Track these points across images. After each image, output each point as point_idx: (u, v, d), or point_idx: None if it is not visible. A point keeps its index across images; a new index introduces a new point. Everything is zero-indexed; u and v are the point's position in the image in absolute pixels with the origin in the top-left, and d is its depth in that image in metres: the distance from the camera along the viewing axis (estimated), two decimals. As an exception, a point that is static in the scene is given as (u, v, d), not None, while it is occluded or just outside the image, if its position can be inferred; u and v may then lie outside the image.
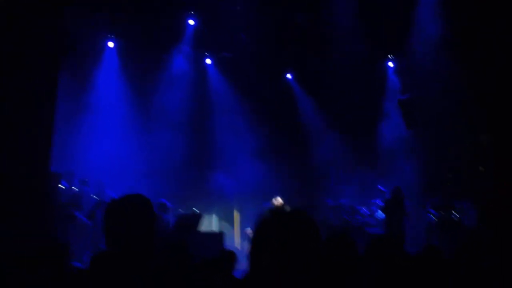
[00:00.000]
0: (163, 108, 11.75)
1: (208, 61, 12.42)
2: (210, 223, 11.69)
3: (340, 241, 2.95)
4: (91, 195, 9.49)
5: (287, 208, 1.72)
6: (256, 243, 1.50)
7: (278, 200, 10.09)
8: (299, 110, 12.99)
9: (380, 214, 10.59)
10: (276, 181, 11.47)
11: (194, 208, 10.57)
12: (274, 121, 12.56)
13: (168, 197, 9.50)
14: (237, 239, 11.81)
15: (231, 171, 11.85)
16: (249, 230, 10.16)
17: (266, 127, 12.30)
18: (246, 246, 10.60)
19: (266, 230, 1.50)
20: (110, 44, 11.38)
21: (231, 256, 5.66)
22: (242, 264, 10.71)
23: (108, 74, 11.72)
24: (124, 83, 11.79)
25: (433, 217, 9.97)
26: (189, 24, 11.41)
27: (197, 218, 8.80)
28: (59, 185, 8.64)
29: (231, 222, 12.11)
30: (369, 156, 12.24)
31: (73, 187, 9.31)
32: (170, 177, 11.28)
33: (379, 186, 10.80)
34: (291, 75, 12.88)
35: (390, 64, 12.36)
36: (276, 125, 12.56)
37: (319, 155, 12.53)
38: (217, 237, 8.68)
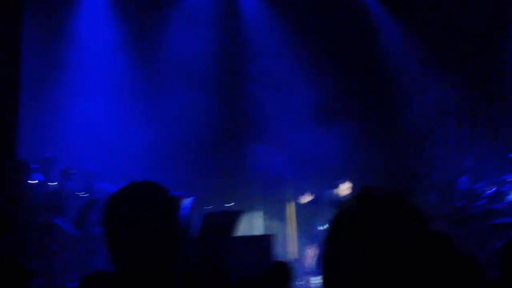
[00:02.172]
0: (175, 60, 12.18)
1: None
2: (253, 224, 12.03)
3: (438, 248, 2.92)
4: (78, 192, 9.79)
5: (377, 193, 1.59)
6: (332, 248, 1.52)
7: (346, 186, 10.42)
8: (381, 46, 13.11)
9: None
10: (350, 156, 11.88)
11: (228, 204, 10.91)
12: (342, 65, 12.79)
13: (189, 188, 9.90)
14: (293, 244, 12.10)
15: (281, 145, 12.15)
16: (310, 250, 10.67)
17: (330, 76, 12.54)
18: (309, 254, 10.79)
19: (346, 228, 1.51)
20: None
21: (284, 270, 5.86)
22: (302, 280, 10.95)
23: (93, 14, 12.18)
24: (118, 26, 12.28)
25: None
26: None
27: (233, 218, 8.97)
28: (30, 180, 9.02)
29: (283, 220, 12.33)
30: (497, 108, 12.61)
31: (50, 183, 9.56)
32: (189, 160, 11.76)
33: (510, 155, 10.99)
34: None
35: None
36: (346, 72, 12.79)
37: (415, 112, 12.76)
38: (264, 244, 8.84)
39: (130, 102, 11.84)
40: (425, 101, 12.82)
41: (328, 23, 12.73)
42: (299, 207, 11.79)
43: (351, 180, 10.61)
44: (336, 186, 10.69)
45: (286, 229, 12.23)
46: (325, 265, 1.50)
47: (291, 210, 12.36)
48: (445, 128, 13.04)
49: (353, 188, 10.54)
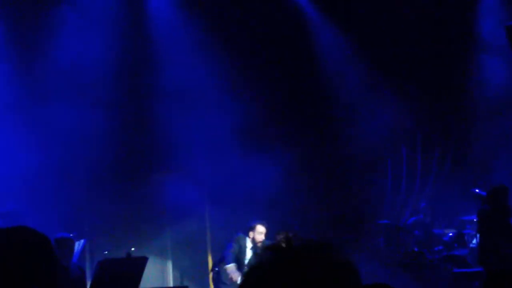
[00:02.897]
0: (66, 68, 12.00)
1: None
2: (165, 274, 11.97)
3: None
4: None
5: (298, 241, 1.61)
6: None
7: (260, 230, 10.38)
8: (320, 58, 13.33)
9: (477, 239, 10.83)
10: (278, 190, 12.05)
11: (132, 249, 10.47)
12: (273, 81, 12.98)
13: (80, 227, 10.21)
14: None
15: (198, 174, 12.28)
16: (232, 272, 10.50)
17: (258, 93, 12.74)
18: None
19: (262, 281, 1.57)
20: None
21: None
22: None
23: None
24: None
25: None
26: None
27: (137, 265, 8.73)
28: None
29: (202, 269, 12.28)
30: (453, 134, 13.03)
31: None
32: (81, 193, 11.73)
33: (476, 191, 10.92)
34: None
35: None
36: (277, 88, 13.02)
37: (360, 137, 12.87)
38: None
39: (7, 120, 11.61)
40: (371, 124, 12.98)
41: (256, 28, 12.95)
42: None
43: (264, 224, 10.47)
44: (252, 229, 10.45)
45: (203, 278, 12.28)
46: None
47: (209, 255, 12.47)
48: (394, 156, 13.38)
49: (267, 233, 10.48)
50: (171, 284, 11.68)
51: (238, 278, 10.03)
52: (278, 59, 13.08)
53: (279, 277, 1.55)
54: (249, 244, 10.29)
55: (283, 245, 1.61)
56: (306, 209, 11.65)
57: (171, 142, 12.35)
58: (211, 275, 11.64)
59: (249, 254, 10.24)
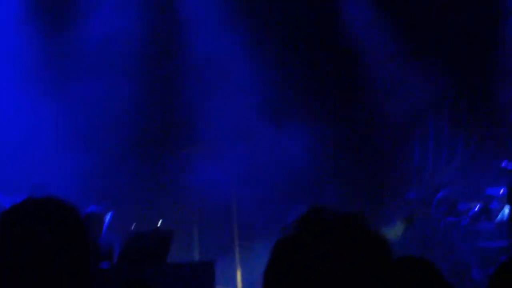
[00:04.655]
0: (95, 42, 12.09)
1: None
2: (190, 248, 12.17)
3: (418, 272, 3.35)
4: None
5: (327, 213, 1.63)
6: (273, 283, 1.60)
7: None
8: (347, 30, 13.12)
9: (505, 213, 10.93)
10: (306, 166, 12.02)
11: (159, 222, 10.51)
12: (301, 52, 12.88)
13: (106, 201, 10.00)
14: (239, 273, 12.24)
15: (225, 155, 12.12)
16: None
17: (287, 66, 12.71)
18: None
19: (289, 258, 1.58)
20: None
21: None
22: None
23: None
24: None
25: None
26: None
27: (164, 240, 8.84)
28: None
29: (228, 245, 12.30)
30: (483, 109, 12.90)
31: None
32: (108, 165, 11.73)
33: (504, 165, 10.87)
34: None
35: None
36: (305, 60, 12.90)
37: (387, 112, 12.81)
38: (203, 273, 8.67)
39: (34, 91, 11.67)
40: (399, 98, 12.88)
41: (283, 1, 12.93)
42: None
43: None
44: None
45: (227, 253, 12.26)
46: None
47: (235, 230, 12.45)
48: (421, 132, 13.30)
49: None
50: (197, 259, 11.82)
51: None
52: (305, 33, 12.92)
53: (309, 250, 1.56)
54: None
55: (314, 216, 1.62)
56: (334, 184, 11.65)
57: (199, 117, 12.39)
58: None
59: None
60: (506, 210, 10.68)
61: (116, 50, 12.07)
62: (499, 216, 11.20)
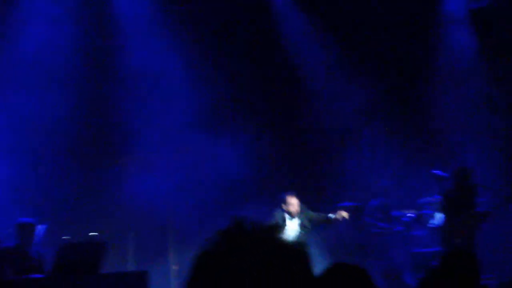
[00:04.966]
0: (30, 55, 11.99)
1: None
2: (125, 259, 12.10)
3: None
4: None
5: (249, 225, 1.64)
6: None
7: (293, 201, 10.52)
8: (281, 41, 13.30)
9: (437, 219, 11.02)
10: (239, 172, 12.00)
11: (92, 234, 10.76)
12: (237, 60, 12.94)
13: (41, 212, 9.96)
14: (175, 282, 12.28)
15: (159, 166, 12.14)
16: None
17: (223, 74, 12.73)
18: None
19: (209, 271, 1.61)
20: None
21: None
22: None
23: None
24: None
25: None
26: None
27: (98, 250, 8.76)
28: None
29: (163, 255, 12.31)
30: (417, 117, 13.11)
31: None
32: (41, 176, 11.61)
33: (435, 172, 11.12)
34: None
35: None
36: (242, 67, 12.99)
37: (323, 120, 12.96)
38: (138, 282, 8.71)
39: None
40: (335, 106, 13.02)
41: (220, 8, 12.83)
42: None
43: (293, 193, 10.52)
44: (283, 202, 10.43)
45: (169, 263, 12.28)
46: None
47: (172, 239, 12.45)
48: (357, 139, 13.43)
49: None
50: (132, 269, 11.80)
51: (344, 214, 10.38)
52: (243, 40, 13.01)
53: (230, 261, 1.57)
54: (286, 216, 10.37)
55: (234, 229, 1.63)
56: (272, 190, 11.55)
57: (134, 128, 12.29)
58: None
59: (289, 224, 10.35)
60: (438, 216, 10.82)
61: (50, 62, 11.94)
62: (432, 222, 11.36)
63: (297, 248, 1.62)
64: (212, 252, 1.61)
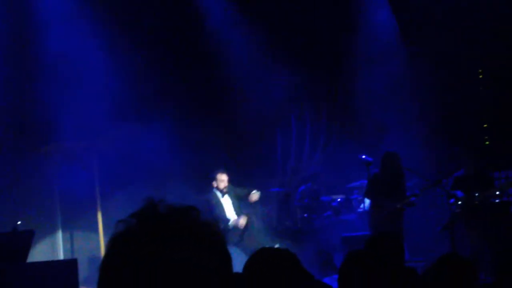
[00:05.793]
0: None
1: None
2: (54, 248, 12.01)
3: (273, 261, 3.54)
4: None
5: (164, 208, 1.62)
6: (109, 281, 1.59)
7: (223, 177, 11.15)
8: (207, 30, 13.35)
9: (366, 204, 11.06)
10: (174, 160, 12.21)
11: (18, 223, 10.40)
12: (163, 54, 12.95)
13: None
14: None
15: (85, 154, 12.18)
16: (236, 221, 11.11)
17: (151, 65, 12.66)
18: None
19: (123, 254, 1.57)
20: None
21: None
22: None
23: None
24: None
25: (456, 206, 10.17)
26: None
27: (25, 240, 8.75)
28: None
29: (94, 241, 12.10)
30: (344, 103, 13.21)
31: None
32: None
33: (362, 157, 11.03)
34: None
35: None
36: (167, 60, 13.02)
37: (250, 107, 12.98)
38: (67, 271, 8.63)
39: None
40: (261, 95, 13.02)
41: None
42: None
43: (223, 170, 11.03)
44: (213, 180, 10.96)
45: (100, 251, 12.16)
46: None
47: (100, 226, 12.31)
48: (284, 125, 13.48)
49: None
50: (61, 258, 11.73)
51: (243, 221, 10.79)
52: (166, 30, 12.94)
53: (145, 244, 1.55)
54: (219, 195, 10.92)
55: (148, 211, 1.62)
56: (200, 179, 11.70)
57: (55, 118, 12.10)
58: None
59: (224, 202, 10.94)
60: (367, 201, 10.95)
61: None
62: (361, 207, 11.52)
63: (211, 229, 1.62)
64: (124, 234, 1.59)
